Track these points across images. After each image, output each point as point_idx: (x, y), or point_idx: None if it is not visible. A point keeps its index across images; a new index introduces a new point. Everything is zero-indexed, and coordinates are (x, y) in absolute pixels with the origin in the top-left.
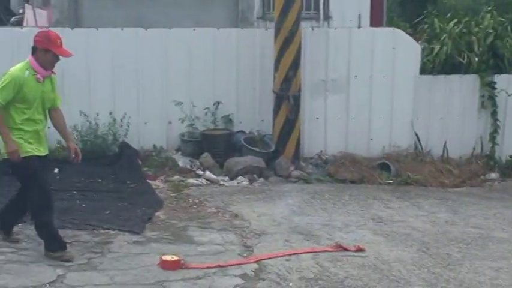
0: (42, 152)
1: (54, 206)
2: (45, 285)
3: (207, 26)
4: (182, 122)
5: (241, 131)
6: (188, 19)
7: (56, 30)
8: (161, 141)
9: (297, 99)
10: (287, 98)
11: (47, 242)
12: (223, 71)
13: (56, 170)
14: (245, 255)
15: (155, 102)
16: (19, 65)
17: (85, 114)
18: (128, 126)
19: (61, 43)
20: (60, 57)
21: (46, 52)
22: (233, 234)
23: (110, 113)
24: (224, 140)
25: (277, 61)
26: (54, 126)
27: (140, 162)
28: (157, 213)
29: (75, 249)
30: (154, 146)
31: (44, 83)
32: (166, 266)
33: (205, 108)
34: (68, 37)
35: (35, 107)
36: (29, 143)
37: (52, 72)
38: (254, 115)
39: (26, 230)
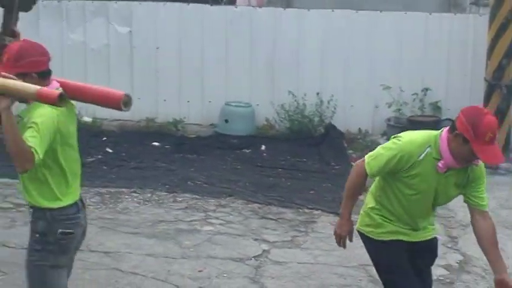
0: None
1: None
2: (251, 259)
3: (417, 10)
4: (389, 107)
5: (448, 119)
6: (397, 2)
7: (268, 11)
8: (367, 125)
9: (509, 88)
10: (499, 87)
11: None
12: (433, 57)
13: (263, 148)
14: (449, 245)
15: (362, 85)
16: (421, 136)
17: (293, 94)
18: (335, 108)
19: (491, 140)
20: (271, 35)
21: (465, 143)
22: (438, 224)
23: (317, 94)
24: (431, 127)
25: (491, 49)
26: (478, 237)
27: (345, 145)
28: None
29: (280, 226)
30: (360, 130)
31: (447, 176)
32: None
33: (413, 94)
34: (280, 17)
35: (423, 197)
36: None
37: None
38: (463, 103)
39: (233, 204)
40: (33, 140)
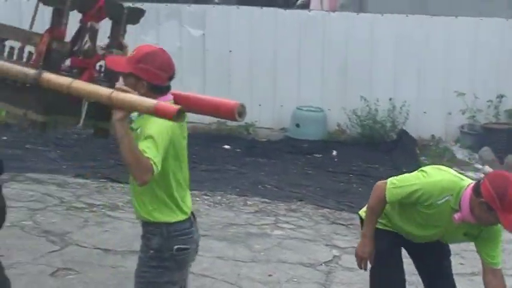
0: None
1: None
2: (321, 264)
3: (492, 16)
4: (463, 114)
5: None
6: (472, 8)
7: (341, 15)
8: (439, 132)
9: None
10: None
11: None
12: (509, 63)
13: (334, 153)
14: None
15: (436, 91)
16: (446, 182)
17: (365, 99)
18: (407, 114)
19: None
20: (344, 40)
21: (489, 210)
22: None
23: (390, 99)
24: (507, 134)
25: None
26: None
27: (418, 152)
28: None
29: (351, 232)
30: (433, 136)
31: (459, 225)
32: None
33: (487, 101)
34: (353, 21)
35: (431, 230)
36: None
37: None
38: None
39: (303, 209)
40: (150, 151)
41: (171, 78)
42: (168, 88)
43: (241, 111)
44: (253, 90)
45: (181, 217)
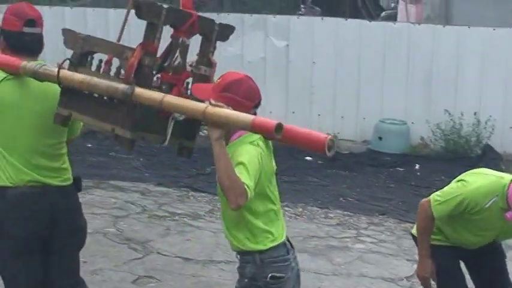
0: None
1: None
2: (403, 279)
3: None
4: None
5: None
6: None
7: (427, 28)
8: None
9: None
10: None
11: None
12: None
13: (417, 167)
14: None
15: None
16: (487, 185)
17: (449, 113)
18: (492, 128)
19: None
20: (429, 52)
21: None
22: None
23: (475, 114)
24: None
25: None
26: None
27: (503, 167)
28: None
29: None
30: None
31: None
32: None
33: None
34: (439, 34)
35: (484, 233)
36: None
37: None
38: None
39: (385, 223)
40: (242, 176)
41: (256, 106)
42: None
43: (330, 146)
44: (335, 101)
45: (273, 243)
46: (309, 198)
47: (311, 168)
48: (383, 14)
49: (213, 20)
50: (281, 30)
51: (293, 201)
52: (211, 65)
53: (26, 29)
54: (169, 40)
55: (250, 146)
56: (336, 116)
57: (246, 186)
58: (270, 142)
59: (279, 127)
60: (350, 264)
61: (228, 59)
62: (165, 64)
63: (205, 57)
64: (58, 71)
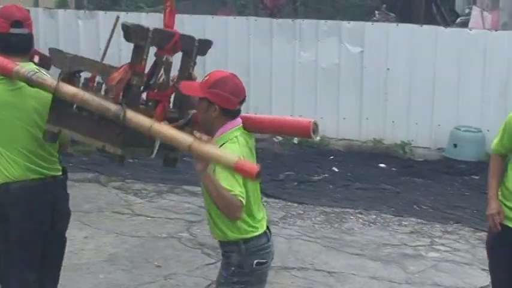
0: None
1: None
2: None
3: None
4: None
5: None
6: None
7: (504, 34)
8: None
9: None
10: None
11: None
12: None
13: None
14: None
15: None
16: None
17: None
18: None
19: None
20: (506, 59)
21: None
22: None
23: None
24: None
25: None
26: None
27: None
28: None
29: None
30: None
31: None
32: None
33: None
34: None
35: None
36: None
37: None
38: None
39: (460, 231)
40: (229, 182)
41: (241, 102)
42: (238, 112)
43: (315, 129)
44: (410, 108)
45: (256, 232)
46: (382, 206)
47: (384, 175)
48: (458, 20)
49: (193, 37)
50: (355, 37)
51: (366, 208)
52: (192, 79)
53: (13, 30)
54: (153, 58)
55: (232, 145)
56: (410, 122)
57: (239, 198)
58: (253, 138)
59: (259, 173)
60: (424, 273)
61: (302, 65)
62: (151, 82)
63: (186, 72)
64: (58, 83)
